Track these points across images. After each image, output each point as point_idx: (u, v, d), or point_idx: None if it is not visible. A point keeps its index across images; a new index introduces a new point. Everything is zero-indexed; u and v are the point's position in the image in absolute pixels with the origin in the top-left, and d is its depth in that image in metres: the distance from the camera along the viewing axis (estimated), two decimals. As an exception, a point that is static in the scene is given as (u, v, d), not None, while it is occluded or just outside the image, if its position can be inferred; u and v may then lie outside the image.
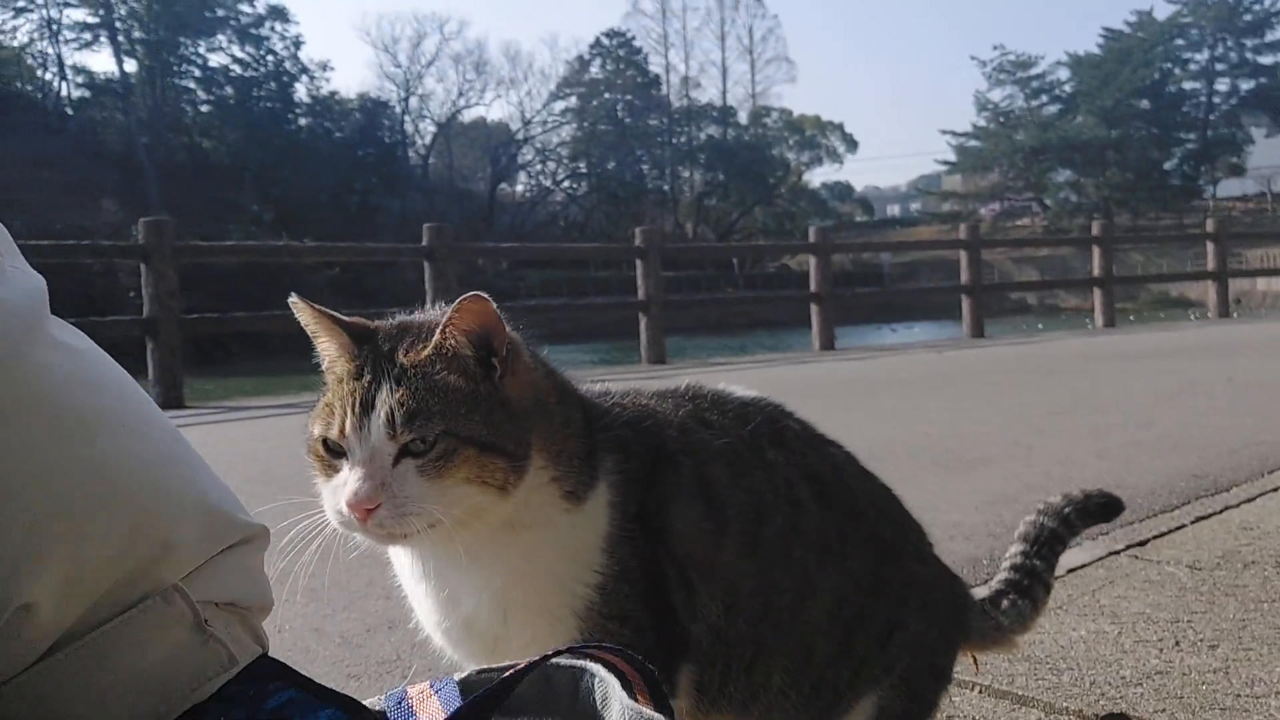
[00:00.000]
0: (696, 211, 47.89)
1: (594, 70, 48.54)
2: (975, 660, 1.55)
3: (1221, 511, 2.60)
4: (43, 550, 0.60)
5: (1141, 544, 2.33)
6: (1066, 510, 1.39)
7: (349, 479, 0.81)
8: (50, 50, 37.90)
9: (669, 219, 46.77)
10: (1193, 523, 2.50)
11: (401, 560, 0.94)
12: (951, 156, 53.65)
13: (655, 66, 49.71)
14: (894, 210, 66.54)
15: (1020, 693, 1.56)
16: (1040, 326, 17.07)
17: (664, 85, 49.87)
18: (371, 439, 0.80)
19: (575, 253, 19.42)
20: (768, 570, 0.97)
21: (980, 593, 1.32)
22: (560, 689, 0.67)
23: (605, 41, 48.46)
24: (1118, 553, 2.27)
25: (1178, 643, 1.73)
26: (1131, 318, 19.02)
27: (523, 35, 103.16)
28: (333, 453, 0.84)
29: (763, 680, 0.98)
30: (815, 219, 43.82)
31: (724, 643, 0.95)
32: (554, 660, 0.67)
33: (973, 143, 52.86)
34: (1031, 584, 1.32)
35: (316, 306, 0.88)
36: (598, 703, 0.64)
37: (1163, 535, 2.39)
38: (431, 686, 0.67)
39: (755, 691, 0.98)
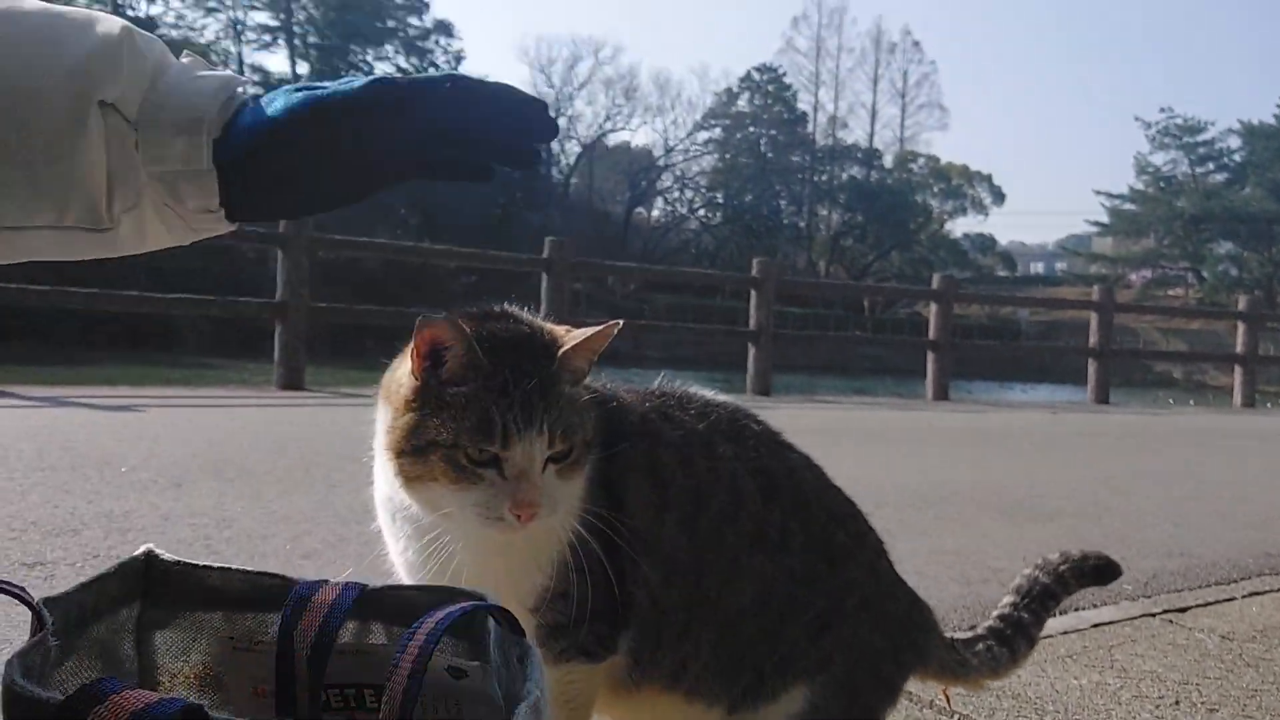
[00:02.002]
0: (831, 251, 47.48)
1: (741, 103, 48.79)
2: (947, 695, 1.56)
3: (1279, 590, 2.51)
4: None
5: (1181, 610, 2.28)
6: (1062, 568, 1.39)
7: (515, 486, 0.90)
8: (233, 49, 40.36)
9: (803, 256, 46.51)
10: (1244, 597, 2.43)
11: (383, 494, 1.04)
12: (1104, 218, 51.75)
13: (804, 104, 49.62)
14: (1038, 268, 64.52)
15: (996, 726, 1.57)
16: (1171, 401, 16.32)
17: (810, 123, 49.74)
18: (533, 451, 0.91)
19: (690, 278, 19.47)
20: (702, 550, 1.05)
21: (961, 635, 1.35)
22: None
23: (755, 76, 48.69)
24: (1152, 615, 2.23)
25: (1177, 702, 1.71)
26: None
27: (674, 64, 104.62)
28: (474, 462, 0.91)
29: (692, 650, 1.05)
30: (954, 269, 42.84)
31: (660, 610, 1.03)
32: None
33: (1128, 206, 50.85)
34: (1014, 635, 1.33)
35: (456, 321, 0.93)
36: (490, 626, 0.74)
37: (1207, 605, 2.33)
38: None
39: (684, 661, 1.06)
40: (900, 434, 6.30)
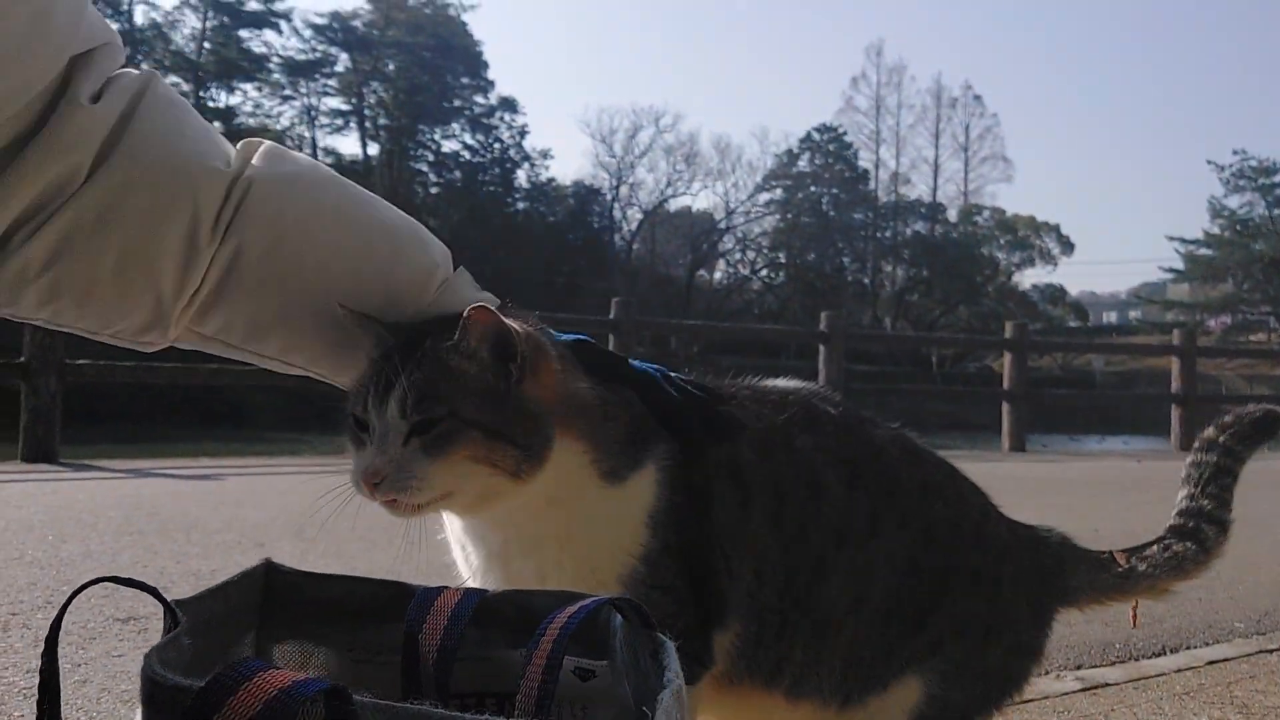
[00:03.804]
0: (896, 306, 47.05)
1: (802, 163, 48.95)
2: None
3: (1407, 627, 2.37)
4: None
5: (1300, 647, 2.16)
6: (1223, 439, 1.28)
7: (367, 453, 0.91)
8: (307, 134, 41.89)
9: (867, 313, 46.16)
10: (1368, 634, 2.30)
11: (454, 526, 1.05)
12: (1178, 264, 50.59)
13: (865, 161, 49.56)
14: (1111, 317, 63.17)
15: (1117, 764, 1.50)
16: (1267, 448, 15.71)
17: (872, 180, 49.64)
18: (386, 417, 0.90)
19: (758, 334, 19.34)
20: (788, 547, 1.02)
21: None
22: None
23: (816, 136, 48.89)
24: (1269, 652, 2.12)
25: (1310, 739, 1.61)
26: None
27: (734, 128, 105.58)
28: (361, 427, 0.94)
29: (788, 650, 1.02)
30: (1024, 320, 42.10)
31: (757, 606, 1.01)
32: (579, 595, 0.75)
33: (1204, 251, 49.66)
34: (1198, 525, 1.23)
35: (355, 310, 0.98)
36: (615, 626, 0.72)
37: (1328, 641, 2.21)
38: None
39: (781, 661, 1.03)
40: (983, 482, 6.15)
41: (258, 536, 3.44)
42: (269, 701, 0.50)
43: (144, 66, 0.95)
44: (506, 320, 0.91)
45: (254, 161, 0.98)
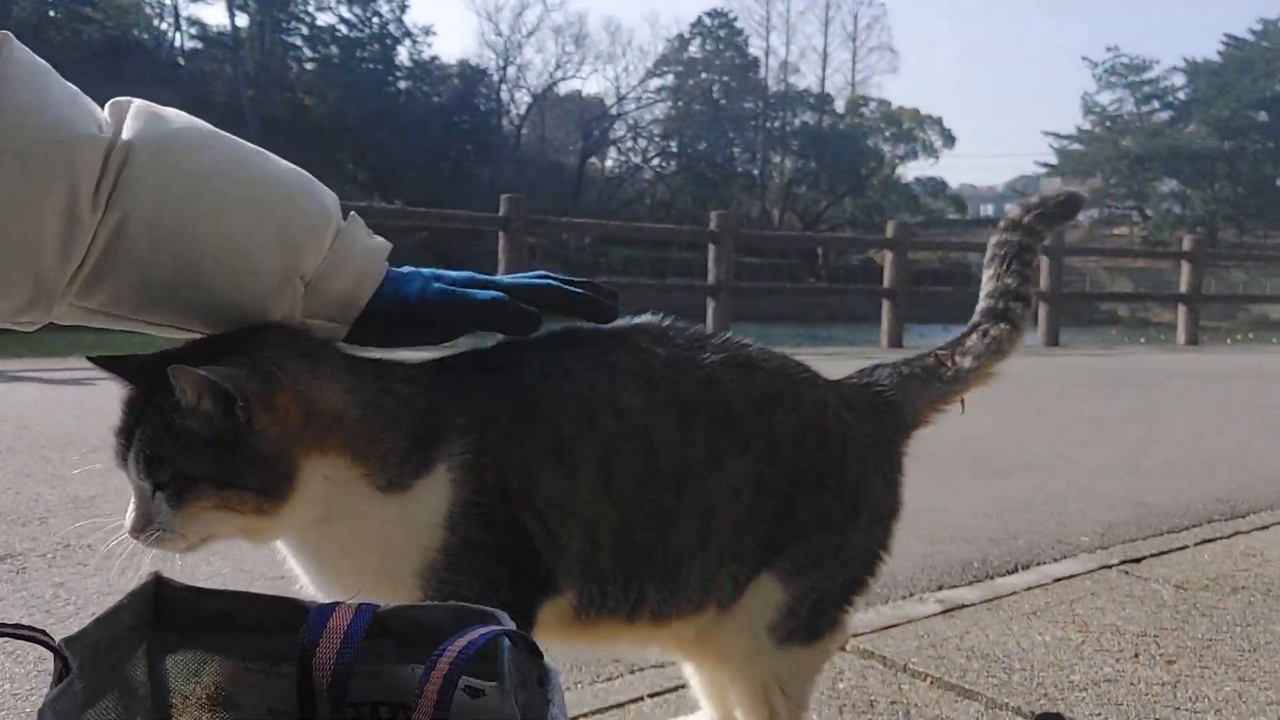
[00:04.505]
0: (785, 198, 47.50)
1: (693, 49, 48.35)
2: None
3: (1230, 536, 2.61)
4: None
5: (1136, 561, 2.36)
6: (1026, 220, 1.36)
7: (130, 505, 0.92)
8: (168, 1, 39.22)
9: (756, 204, 46.52)
10: (1196, 544, 2.52)
11: None
12: (1052, 159, 52.30)
13: (755, 49, 49.29)
14: (988, 210, 65.07)
15: (967, 686, 1.63)
16: (1126, 339, 16.71)
17: (762, 68, 49.44)
18: (131, 476, 0.91)
19: (649, 233, 19.37)
20: (625, 513, 1.02)
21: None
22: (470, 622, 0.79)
23: (707, 21, 48.22)
24: (1110, 567, 2.31)
25: (1137, 655, 1.78)
26: (1229, 340, 18.30)
27: (625, 10, 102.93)
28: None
29: (640, 595, 1.05)
30: (906, 213, 43.07)
31: (595, 568, 1.02)
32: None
33: (1076, 146, 51.42)
34: (1005, 304, 1.30)
35: (100, 357, 0.95)
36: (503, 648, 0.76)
37: (1161, 554, 2.42)
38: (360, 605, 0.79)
39: (635, 605, 1.05)
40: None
41: (136, 455, 3.36)
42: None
43: None
44: (214, 376, 0.86)
45: (128, 123, 0.93)
